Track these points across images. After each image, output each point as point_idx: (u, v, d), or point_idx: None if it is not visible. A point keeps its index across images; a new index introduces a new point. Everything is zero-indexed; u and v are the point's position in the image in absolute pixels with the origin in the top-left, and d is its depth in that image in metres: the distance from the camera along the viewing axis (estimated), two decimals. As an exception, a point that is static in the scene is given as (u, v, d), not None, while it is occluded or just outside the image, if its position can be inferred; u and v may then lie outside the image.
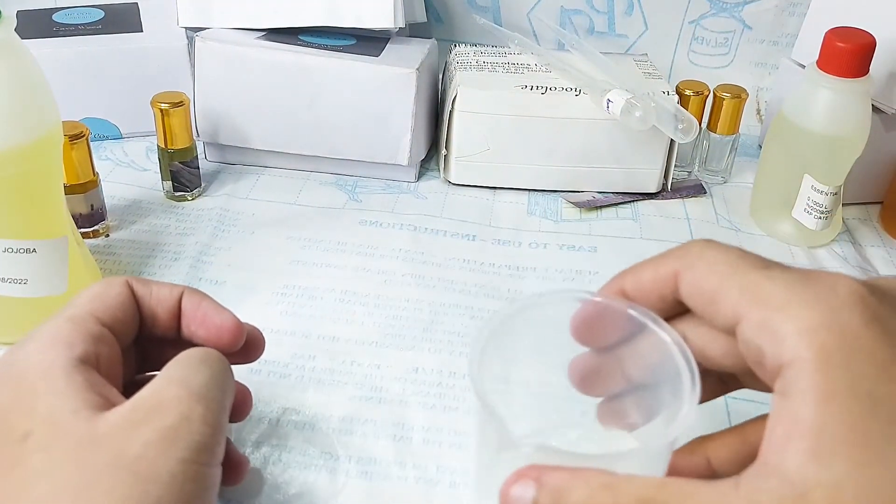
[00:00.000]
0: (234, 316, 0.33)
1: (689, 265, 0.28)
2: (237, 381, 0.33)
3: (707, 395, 0.30)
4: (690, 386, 0.27)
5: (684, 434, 0.27)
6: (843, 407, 0.23)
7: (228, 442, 0.32)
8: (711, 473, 0.31)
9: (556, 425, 0.35)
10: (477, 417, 0.32)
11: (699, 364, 0.28)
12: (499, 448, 0.29)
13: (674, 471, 0.30)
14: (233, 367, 0.32)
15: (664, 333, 0.29)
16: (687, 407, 0.27)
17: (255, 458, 0.37)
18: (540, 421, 0.35)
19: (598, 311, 0.30)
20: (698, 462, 0.31)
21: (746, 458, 0.30)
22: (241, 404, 0.34)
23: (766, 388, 0.27)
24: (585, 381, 0.32)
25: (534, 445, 0.26)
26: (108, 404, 0.28)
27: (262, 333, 0.35)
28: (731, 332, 0.27)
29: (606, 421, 0.33)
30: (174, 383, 0.28)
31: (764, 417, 0.30)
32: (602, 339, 0.31)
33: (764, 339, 0.25)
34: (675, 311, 0.30)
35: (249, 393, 0.35)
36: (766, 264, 0.27)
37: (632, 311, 0.30)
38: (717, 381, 0.31)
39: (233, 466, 0.33)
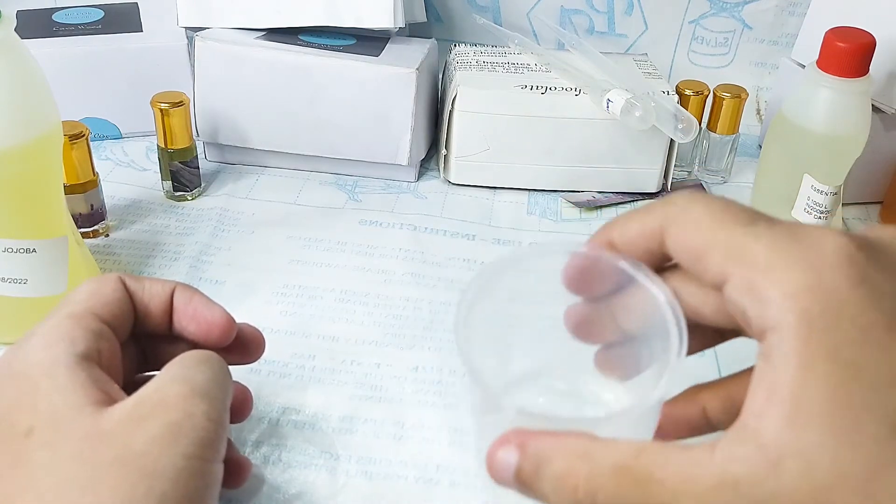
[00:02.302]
0: (225, 311, 0.33)
1: (673, 220, 0.27)
2: (237, 382, 0.33)
3: (703, 344, 0.30)
4: (678, 346, 0.27)
5: (672, 389, 0.27)
6: (823, 374, 0.23)
7: (231, 445, 0.32)
8: (706, 422, 0.31)
9: (551, 376, 0.35)
10: (465, 379, 0.33)
11: (691, 320, 0.27)
12: (483, 410, 0.29)
13: (669, 420, 0.30)
14: (232, 367, 0.32)
15: (655, 289, 0.28)
16: (671, 370, 0.27)
17: (255, 457, 0.37)
18: (534, 375, 0.35)
19: (589, 264, 0.30)
20: (694, 411, 0.31)
21: (735, 412, 0.30)
22: (241, 404, 0.34)
23: None
24: (580, 328, 0.32)
25: (516, 409, 0.26)
26: (111, 400, 0.28)
27: (262, 334, 0.35)
28: (719, 290, 0.26)
29: (603, 369, 0.33)
30: (177, 381, 0.29)
31: (749, 372, 0.30)
32: (594, 290, 0.31)
33: (748, 302, 0.24)
34: (665, 262, 0.29)
35: (250, 393, 0.35)
36: (752, 219, 0.26)
37: (622, 265, 0.29)
38: (713, 332, 0.30)
39: (235, 469, 0.33)
